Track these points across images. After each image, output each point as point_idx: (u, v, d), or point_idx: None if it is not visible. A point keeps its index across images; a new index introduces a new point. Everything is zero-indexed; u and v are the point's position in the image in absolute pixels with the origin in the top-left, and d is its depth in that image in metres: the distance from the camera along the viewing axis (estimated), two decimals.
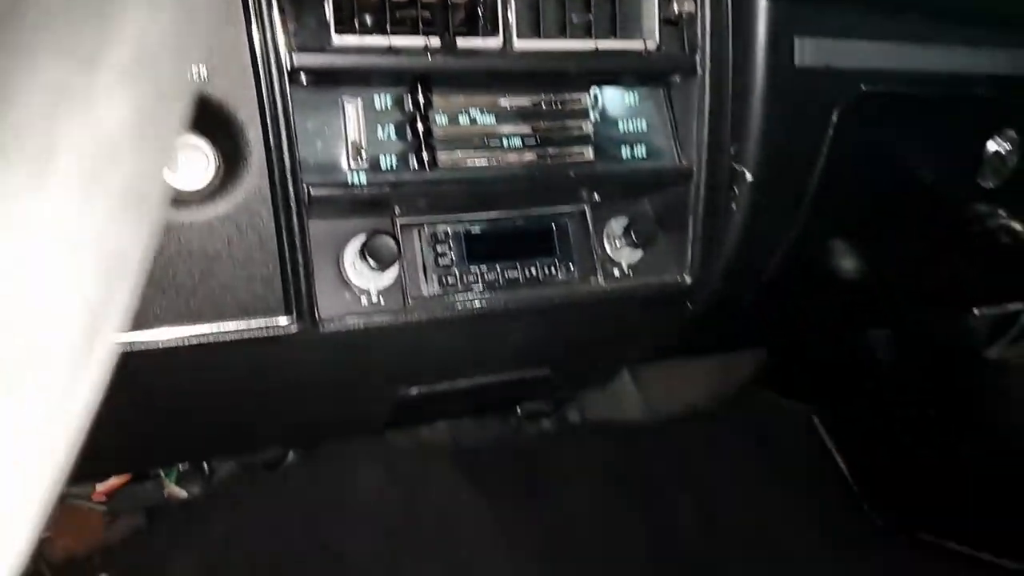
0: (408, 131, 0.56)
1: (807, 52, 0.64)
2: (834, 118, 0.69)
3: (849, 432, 1.67)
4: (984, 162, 0.85)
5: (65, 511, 1.01)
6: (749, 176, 0.68)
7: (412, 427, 1.06)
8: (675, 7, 0.59)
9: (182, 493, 1.12)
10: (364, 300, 0.58)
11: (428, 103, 0.55)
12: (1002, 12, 0.79)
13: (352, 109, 0.54)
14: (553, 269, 0.66)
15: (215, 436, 0.69)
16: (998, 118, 0.83)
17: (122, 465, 0.77)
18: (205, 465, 1.09)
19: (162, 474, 1.01)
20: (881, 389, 1.57)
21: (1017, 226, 0.97)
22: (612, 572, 1.40)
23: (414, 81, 0.55)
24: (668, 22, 0.61)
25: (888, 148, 0.77)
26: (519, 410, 1.11)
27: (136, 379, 0.53)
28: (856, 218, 0.80)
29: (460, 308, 0.62)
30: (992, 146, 0.84)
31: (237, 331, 0.54)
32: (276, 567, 1.08)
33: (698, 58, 0.62)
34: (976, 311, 1.39)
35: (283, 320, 0.55)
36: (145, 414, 0.60)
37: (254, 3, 0.49)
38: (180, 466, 1.08)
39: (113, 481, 0.95)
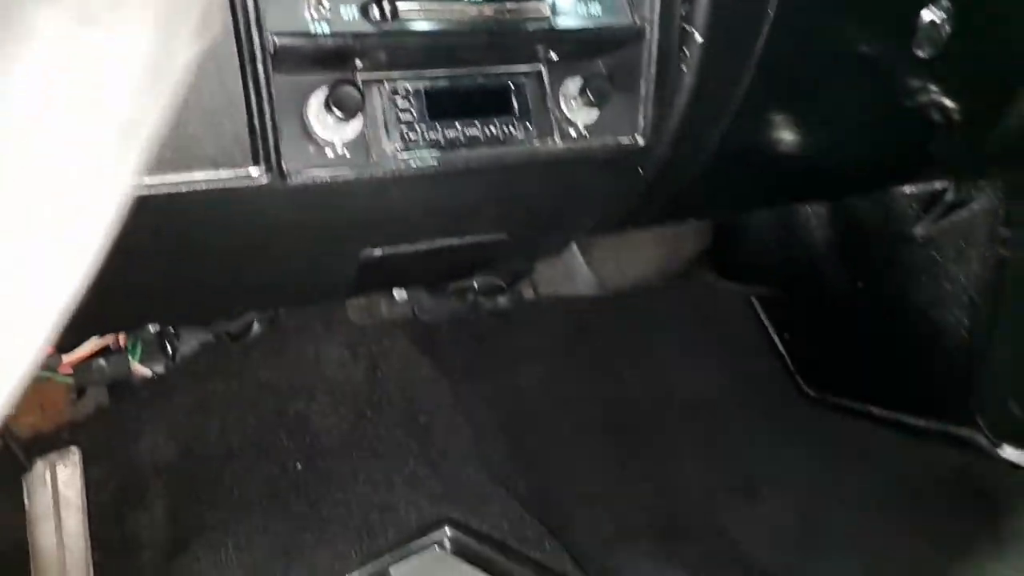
0: None
1: None
2: None
3: (785, 311, 1.77)
4: (919, 30, 0.89)
5: (30, 388, 1.03)
6: (699, 38, 0.70)
7: (375, 293, 1.09)
8: None
9: (146, 371, 1.14)
10: (329, 152, 0.60)
11: None
12: None
13: None
14: (512, 128, 0.68)
15: (183, 296, 0.71)
16: None
17: (89, 326, 0.79)
18: (168, 343, 1.11)
19: (126, 349, 1.03)
20: (814, 268, 1.65)
21: (948, 102, 1.02)
22: (566, 441, 1.49)
23: None
24: None
25: (829, 13, 0.80)
26: (475, 285, 1.14)
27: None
28: (797, 85, 0.84)
29: (422, 164, 0.64)
30: (927, 15, 0.88)
31: (206, 181, 0.56)
32: (246, 438, 1.12)
33: None
34: (905, 189, 1.46)
35: (253, 171, 0.57)
36: (117, 270, 0.62)
37: None
38: (143, 343, 1.10)
39: (79, 353, 0.97)
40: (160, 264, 0.64)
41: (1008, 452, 1.49)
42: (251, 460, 1.11)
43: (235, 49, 0.54)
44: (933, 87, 0.98)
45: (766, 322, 1.79)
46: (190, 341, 1.16)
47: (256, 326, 1.02)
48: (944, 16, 0.88)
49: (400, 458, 1.15)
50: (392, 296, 1.19)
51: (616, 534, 1.33)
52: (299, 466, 1.10)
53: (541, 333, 1.45)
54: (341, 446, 1.14)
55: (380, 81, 0.63)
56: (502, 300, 1.26)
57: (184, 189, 0.55)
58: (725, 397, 1.71)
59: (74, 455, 1.09)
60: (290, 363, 1.18)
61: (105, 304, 0.69)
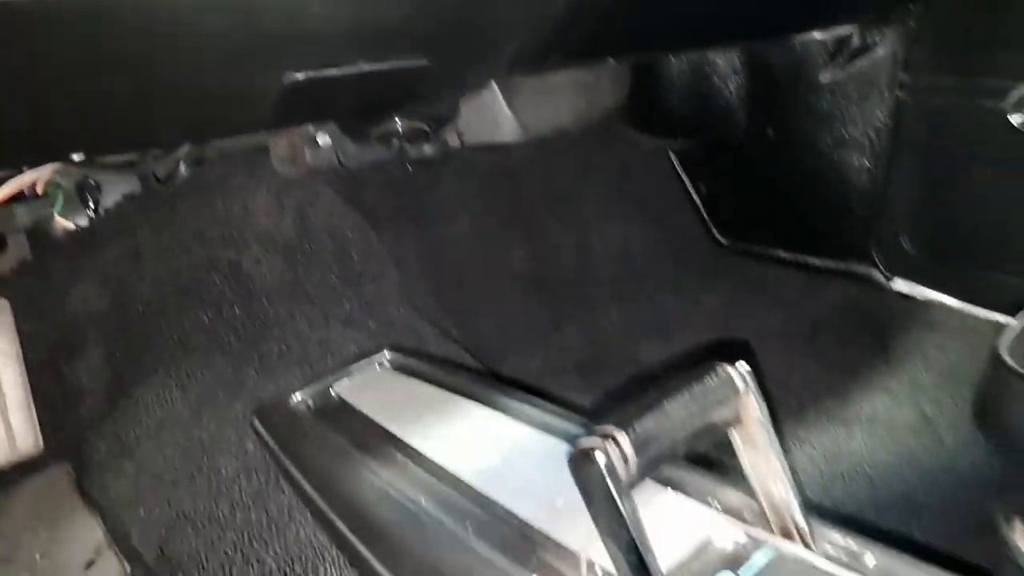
0: None
1: None
2: None
3: (699, 161, 1.84)
4: None
5: None
6: None
7: (300, 130, 1.09)
8: None
9: (69, 224, 1.14)
10: None
11: None
12: None
13: None
14: None
15: (101, 113, 0.70)
16: None
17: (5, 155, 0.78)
18: (88, 195, 1.10)
19: (45, 195, 1.03)
20: (727, 118, 1.71)
21: None
22: (495, 290, 1.54)
23: None
24: None
25: None
26: (400, 130, 1.16)
27: (26, 37, 0.55)
28: None
29: None
30: None
31: None
32: (179, 286, 1.14)
33: None
34: (813, 35, 1.51)
35: None
36: (27, 87, 0.62)
37: None
38: (63, 195, 1.09)
39: None
40: (75, 76, 0.63)
41: (899, 284, 1.62)
42: (186, 306, 1.13)
43: None
44: None
45: (682, 174, 1.86)
46: (112, 193, 1.15)
47: (182, 167, 1.02)
48: None
49: (335, 302, 1.18)
50: (316, 142, 1.19)
51: (544, 369, 1.41)
52: (236, 310, 1.12)
53: (466, 184, 1.48)
54: (275, 291, 1.16)
55: None
56: (427, 147, 1.28)
57: None
58: (644, 247, 1.79)
59: (4, 305, 1.09)
60: (218, 213, 1.18)
61: (18, 129, 0.69)
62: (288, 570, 0.85)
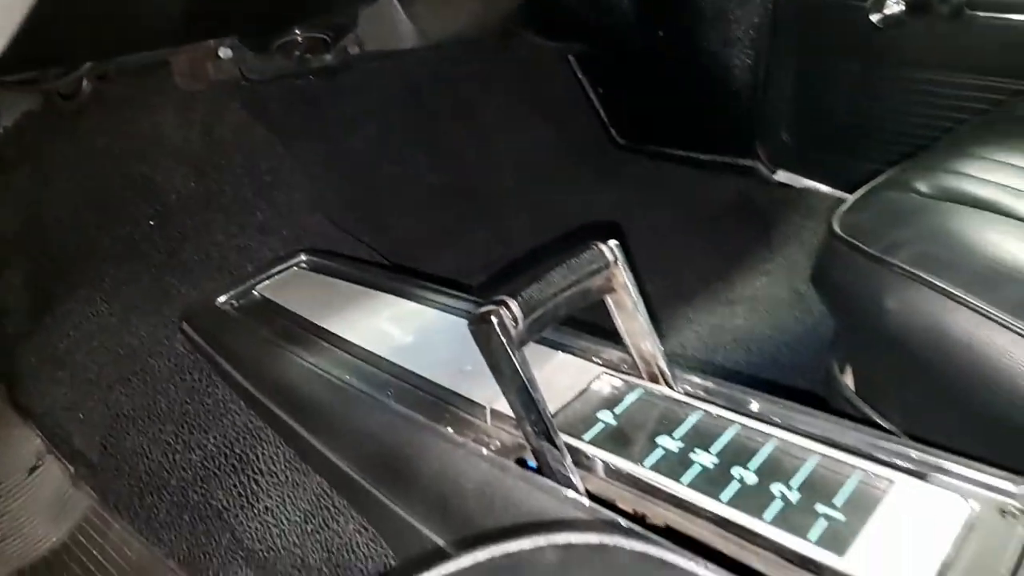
0: None
1: None
2: None
3: (596, 65, 1.91)
4: None
5: None
6: None
7: (204, 39, 1.11)
8: None
9: None
10: None
11: None
12: None
13: None
14: None
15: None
16: None
17: None
18: None
19: None
20: (621, 21, 1.78)
21: None
22: (405, 198, 1.61)
23: None
24: None
25: None
26: (300, 40, 1.19)
27: None
28: None
29: None
30: None
31: None
32: (93, 202, 1.16)
33: None
34: None
35: None
36: None
37: None
38: None
39: None
40: None
41: (781, 175, 1.77)
42: (103, 222, 1.15)
43: None
44: None
45: (581, 78, 1.93)
46: (12, 111, 1.15)
47: (85, 84, 1.04)
48: None
49: (248, 211, 1.23)
50: (218, 56, 1.22)
51: (457, 272, 1.50)
52: (152, 223, 1.16)
53: (369, 95, 1.51)
54: (190, 204, 1.20)
55: None
56: (328, 56, 1.31)
57: None
58: (546, 150, 1.87)
59: None
60: (125, 130, 1.20)
61: None
62: (228, 451, 0.93)
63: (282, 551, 0.87)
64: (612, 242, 0.68)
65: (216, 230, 1.17)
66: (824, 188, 1.71)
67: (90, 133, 1.18)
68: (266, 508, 0.90)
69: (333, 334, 0.86)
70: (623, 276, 0.67)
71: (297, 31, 1.16)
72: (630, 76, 1.89)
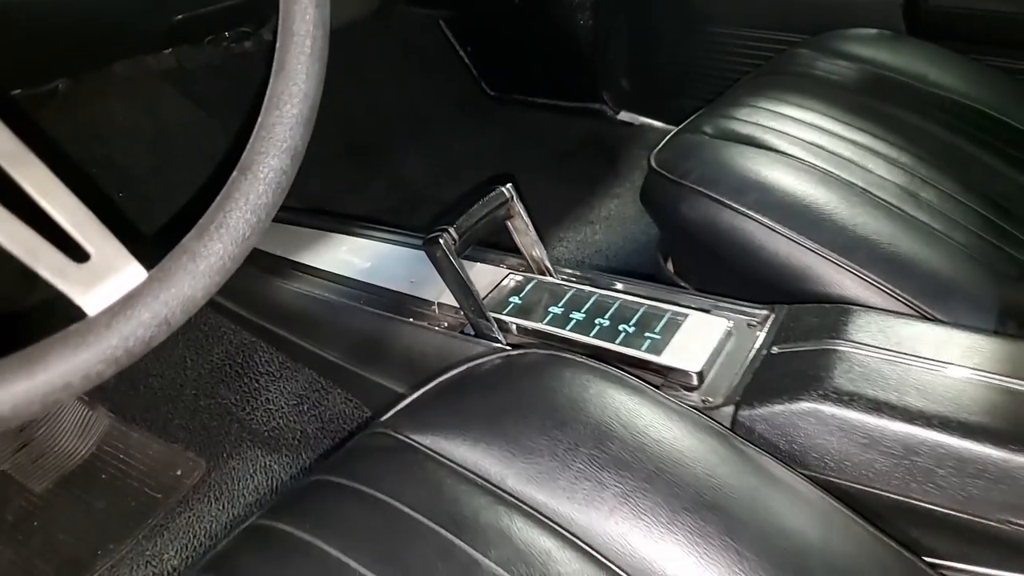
0: None
1: None
2: None
3: (465, 29, 2.22)
4: None
5: None
6: None
7: (176, 46, 1.35)
8: None
9: None
10: None
11: None
12: None
13: None
14: None
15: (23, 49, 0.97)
16: None
17: None
18: None
19: None
20: None
21: None
22: (313, 155, 1.87)
23: None
24: None
25: None
26: (227, 34, 1.44)
27: None
28: None
29: None
30: None
31: None
32: (67, 177, 1.38)
33: None
34: None
35: None
36: None
37: None
38: None
39: None
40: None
41: (623, 115, 2.15)
42: (79, 196, 1.37)
43: None
44: None
45: (452, 40, 2.23)
46: None
47: (60, 87, 1.26)
48: None
49: (198, 175, 1.48)
50: (159, 52, 1.45)
51: (366, 208, 1.80)
52: (121, 194, 1.40)
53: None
54: (149, 175, 1.44)
55: None
56: (248, 44, 1.57)
57: None
58: (428, 105, 2.17)
59: None
60: (80, 118, 1.41)
61: None
62: (232, 362, 1.23)
63: (284, 429, 1.19)
64: (509, 184, 1.03)
65: (177, 197, 1.42)
66: (657, 123, 2.11)
67: (54, 121, 1.39)
68: (267, 399, 1.21)
69: (307, 265, 1.17)
70: (518, 207, 1.02)
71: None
72: (493, 36, 2.21)
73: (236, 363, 1.23)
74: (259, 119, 0.51)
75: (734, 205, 1.02)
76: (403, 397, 0.77)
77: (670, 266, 1.23)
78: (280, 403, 1.21)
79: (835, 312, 0.82)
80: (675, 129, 1.25)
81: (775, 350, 0.81)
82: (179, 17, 1.06)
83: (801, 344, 0.80)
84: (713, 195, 1.04)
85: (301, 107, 0.51)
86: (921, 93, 1.30)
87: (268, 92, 0.51)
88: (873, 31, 1.53)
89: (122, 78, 1.44)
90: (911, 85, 1.31)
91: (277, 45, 0.53)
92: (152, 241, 1.34)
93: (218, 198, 0.47)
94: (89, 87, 1.40)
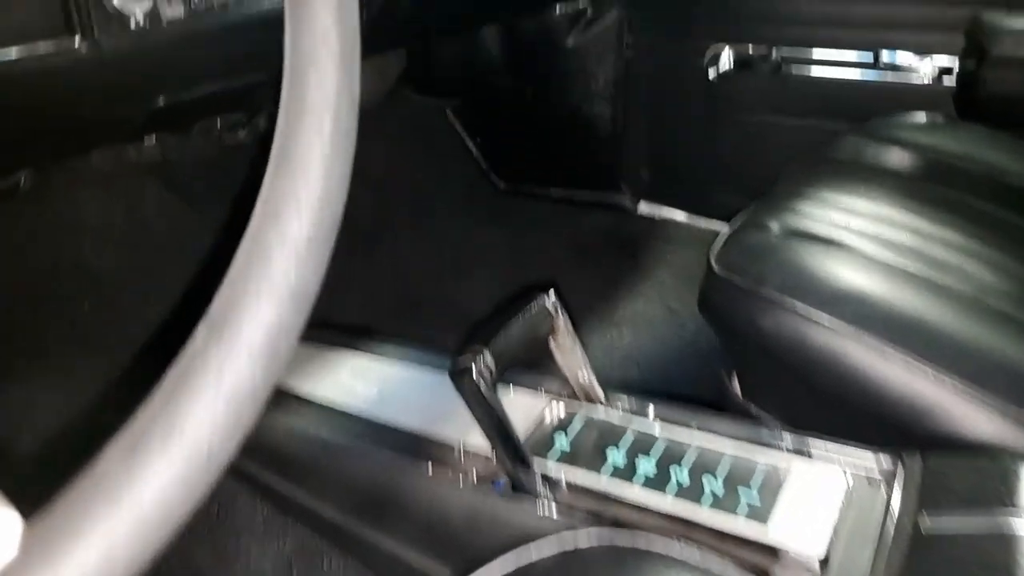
0: None
1: None
2: None
3: (474, 118, 2.09)
4: None
5: None
6: None
7: (155, 133, 1.19)
8: None
9: None
10: (132, 23, 0.75)
11: None
12: None
13: None
14: None
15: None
16: None
17: None
18: None
19: None
20: (493, 79, 1.97)
21: None
22: None
23: None
24: None
25: None
26: (219, 123, 1.29)
27: None
28: None
29: (203, 26, 0.81)
30: None
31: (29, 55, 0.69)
32: (30, 284, 1.20)
33: None
34: (556, 9, 1.80)
35: (75, 42, 0.71)
36: None
37: None
38: None
39: None
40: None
41: (643, 207, 2.00)
42: (39, 309, 1.19)
43: None
44: None
45: (460, 130, 2.10)
46: None
47: (24, 180, 1.09)
48: None
49: (180, 280, 1.30)
50: (140, 141, 1.29)
51: (363, 313, 1.61)
52: (88, 304, 1.21)
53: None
54: (122, 281, 1.26)
55: None
56: (242, 133, 1.41)
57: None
58: (434, 197, 2.03)
59: None
60: (51, 215, 1.24)
61: None
62: (206, 513, 1.01)
63: None
64: (553, 294, 0.84)
65: (153, 301, 1.23)
66: (680, 216, 1.96)
67: (15, 219, 1.22)
68: (249, 563, 0.99)
69: (297, 395, 0.97)
70: (563, 321, 0.83)
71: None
72: (504, 125, 2.08)
73: (211, 516, 1.02)
74: (245, 236, 0.32)
75: (828, 320, 0.84)
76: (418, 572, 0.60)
77: (736, 385, 1.04)
78: (264, 568, 0.98)
79: (997, 467, 0.63)
80: (728, 231, 1.08)
81: (927, 523, 0.61)
82: (161, 102, 0.90)
83: (962, 515, 0.60)
84: (799, 307, 0.86)
85: (314, 220, 0.33)
86: (990, 180, 1.18)
87: (261, 195, 0.33)
88: (924, 116, 1.41)
89: (97, 171, 1.27)
90: (977, 171, 1.20)
91: (279, 124, 0.35)
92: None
93: (158, 388, 0.28)
94: (59, 180, 1.23)
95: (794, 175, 1.22)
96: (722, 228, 1.89)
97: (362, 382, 0.97)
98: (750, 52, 1.68)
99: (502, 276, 1.79)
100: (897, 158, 1.26)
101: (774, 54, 1.65)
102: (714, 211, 1.87)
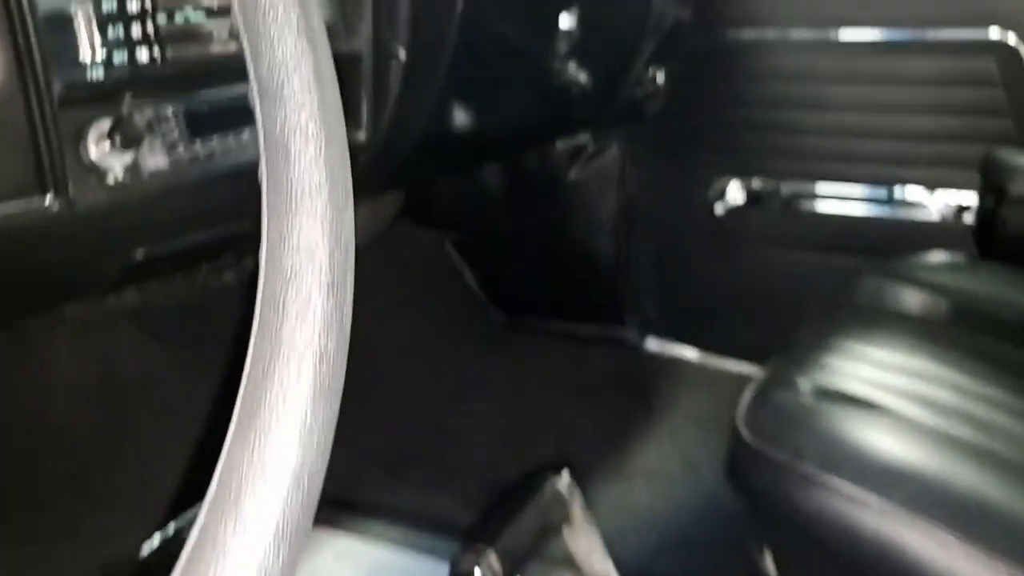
0: (135, 30, 0.66)
1: None
2: (459, 6, 0.91)
3: (473, 250, 2.04)
4: (560, 33, 1.15)
5: None
6: (403, 56, 0.88)
7: (138, 284, 1.12)
8: None
9: None
10: (111, 178, 0.68)
11: (155, 7, 0.65)
12: None
13: (83, 13, 0.62)
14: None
15: None
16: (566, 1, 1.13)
17: None
18: None
19: None
20: (493, 212, 1.93)
21: (581, 77, 1.31)
22: None
23: None
24: None
25: (496, 26, 1.02)
26: (203, 266, 1.22)
27: None
28: (479, 83, 1.05)
29: (187, 176, 0.75)
30: (564, 21, 1.14)
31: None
32: None
33: None
34: (557, 144, 1.78)
35: (46, 201, 0.64)
36: None
37: None
38: None
39: None
40: None
41: (651, 344, 1.92)
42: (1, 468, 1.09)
43: (20, 94, 0.60)
44: (570, 69, 1.26)
45: (458, 261, 2.05)
46: None
47: None
48: (575, 22, 1.15)
49: (157, 438, 1.20)
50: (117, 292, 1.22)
51: (351, 465, 1.50)
52: (52, 463, 1.11)
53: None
54: (92, 439, 1.16)
55: (148, 107, 0.71)
56: (228, 275, 1.34)
57: None
58: (431, 333, 1.95)
59: None
60: (17, 365, 1.16)
61: None
62: None
63: None
64: (566, 474, 0.74)
65: (129, 460, 1.13)
66: (690, 354, 1.88)
67: None
68: None
69: None
70: (579, 507, 0.73)
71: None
72: (505, 259, 2.03)
73: None
74: (235, 416, 0.29)
75: (878, 502, 0.74)
76: None
77: (770, 561, 0.92)
78: None
79: None
80: (753, 389, 0.99)
81: None
82: (140, 256, 0.82)
83: None
84: (845, 486, 0.76)
85: (313, 391, 0.29)
86: (1021, 325, 1.12)
87: (249, 360, 0.29)
88: (944, 255, 1.35)
89: (69, 318, 1.19)
90: (1007, 316, 1.14)
91: (261, 280, 0.32)
92: None
93: None
94: (24, 328, 1.15)
95: (816, 323, 1.15)
96: (734, 367, 1.83)
97: (347, 568, 0.85)
98: (758, 185, 1.65)
99: (502, 421, 1.69)
100: (922, 301, 1.20)
101: (783, 189, 1.61)
102: (726, 348, 1.79)
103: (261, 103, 0.31)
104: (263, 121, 0.30)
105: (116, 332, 1.28)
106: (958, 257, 1.37)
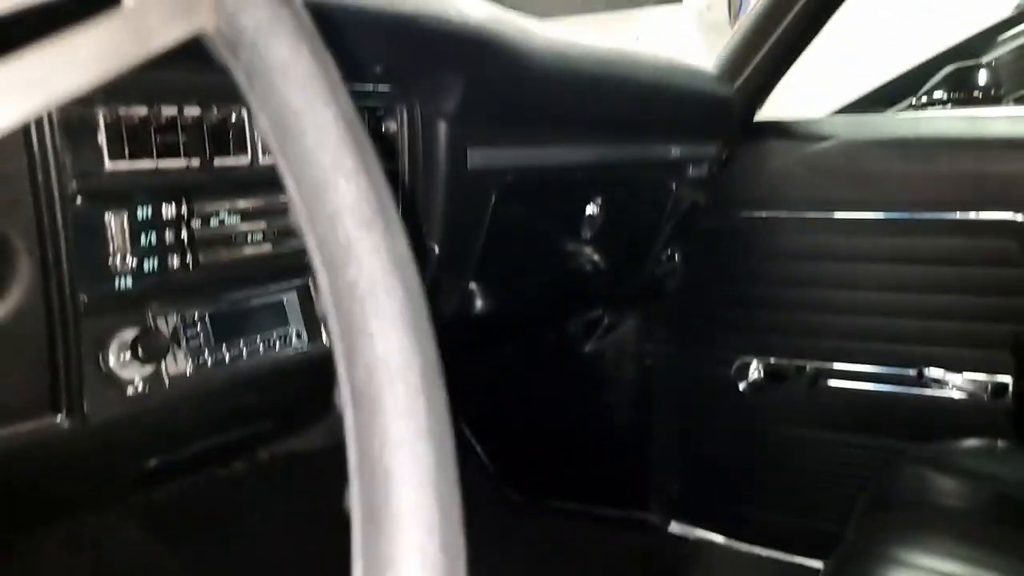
0: (168, 236, 0.64)
1: (475, 157, 0.84)
2: (492, 200, 0.91)
3: (487, 428, 1.97)
4: (584, 220, 1.16)
5: None
6: (436, 249, 0.86)
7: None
8: (382, 126, 0.75)
9: None
10: (130, 390, 0.64)
11: (190, 212, 0.63)
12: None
13: (118, 222, 0.60)
14: (287, 336, 0.77)
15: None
16: (591, 190, 1.14)
17: None
18: None
19: None
20: (507, 387, 1.88)
21: (601, 262, 1.31)
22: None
23: (176, 194, 0.63)
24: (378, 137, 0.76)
25: (526, 216, 1.02)
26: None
27: None
28: (507, 271, 1.04)
29: (211, 381, 0.70)
30: (589, 209, 1.15)
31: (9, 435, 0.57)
32: None
33: (399, 164, 0.79)
34: (575, 319, 1.76)
35: (57, 419, 0.59)
36: None
37: (36, 135, 0.53)
38: None
39: None
40: None
41: (674, 527, 1.81)
42: None
43: (43, 306, 0.57)
44: (592, 253, 1.26)
45: (469, 436, 1.97)
46: None
47: None
48: (598, 210, 1.16)
49: None
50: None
51: None
52: None
53: (272, 493, 1.46)
54: None
55: (173, 312, 0.68)
56: (238, 465, 1.28)
57: None
58: None
59: None
60: (10, 567, 1.06)
61: None
62: None
63: None
64: None
65: None
66: (718, 538, 1.77)
67: None
68: None
69: None
70: None
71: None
72: (519, 435, 1.96)
73: None
74: None
75: None
76: None
77: None
78: None
79: None
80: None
81: None
82: (152, 464, 0.77)
83: None
84: None
85: None
86: None
87: None
88: (983, 442, 1.32)
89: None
90: None
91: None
92: None
93: None
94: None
95: (863, 522, 1.09)
96: (764, 552, 1.72)
97: None
98: (781, 363, 1.61)
99: None
100: (973, 496, 1.17)
101: (808, 367, 1.57)
102: (753, 533, 1.69)
103: (355, 411, 0.25)
104: (356, 436, 0.24)
105: (116, 528, 1.19)
106: (998, 442, 1.33)
